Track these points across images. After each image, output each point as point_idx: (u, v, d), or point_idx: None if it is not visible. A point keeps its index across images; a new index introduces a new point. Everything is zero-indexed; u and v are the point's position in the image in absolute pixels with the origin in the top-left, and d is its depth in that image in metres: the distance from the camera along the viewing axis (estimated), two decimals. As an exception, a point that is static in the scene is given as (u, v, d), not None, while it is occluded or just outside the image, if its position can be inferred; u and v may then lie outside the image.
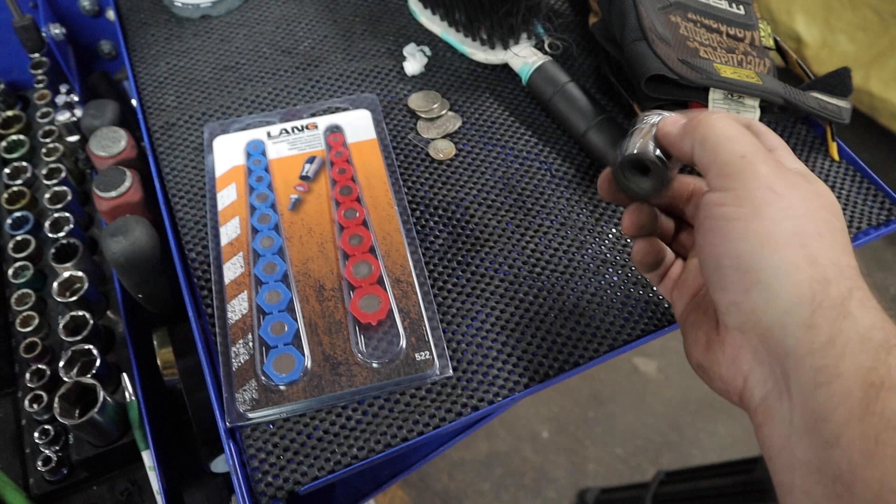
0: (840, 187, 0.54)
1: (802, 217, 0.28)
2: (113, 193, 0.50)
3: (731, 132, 0.31)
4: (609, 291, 0.46)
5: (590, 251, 0.48)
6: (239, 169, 0.51)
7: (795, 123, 0.58)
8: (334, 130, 0.53)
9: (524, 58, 0.54)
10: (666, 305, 0.46)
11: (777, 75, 0.56)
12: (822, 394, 0.26)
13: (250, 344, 0.43)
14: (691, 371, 0.34)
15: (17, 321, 0.53)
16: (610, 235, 0.49)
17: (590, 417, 1.42)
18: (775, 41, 0.59)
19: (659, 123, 0.35)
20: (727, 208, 0.29)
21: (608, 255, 0.48)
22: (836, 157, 0.56)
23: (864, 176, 0.55)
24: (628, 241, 0.49)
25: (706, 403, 1.43)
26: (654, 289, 0.46)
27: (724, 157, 0.30)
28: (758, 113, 0.50)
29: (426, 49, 0.59)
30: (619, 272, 0.47)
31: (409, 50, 0.58)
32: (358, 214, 0.48)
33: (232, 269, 0.46)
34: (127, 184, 0.50)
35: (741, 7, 0.57)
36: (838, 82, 0.56)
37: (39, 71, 0.63)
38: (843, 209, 0.52)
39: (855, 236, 0.51)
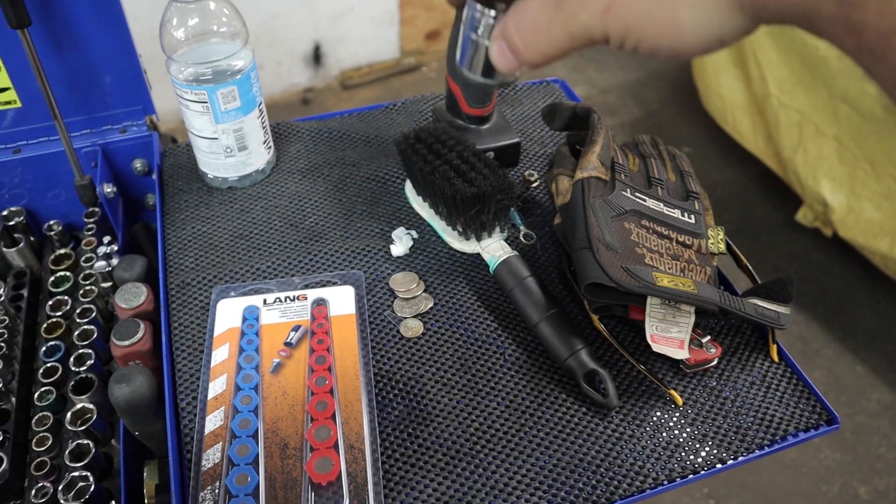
0: (776, 388, 0.59)
1: None
2: (126, 343, 0.58)
3: None
4: (540, 474, 0.51)
5: (528, 434, 0.54)
6: (234, 330, 0.59)
7: (742, 323, 0.64)
8: (320, 303, 0.61)
9: (492, 251, 0.62)
10: (593, 489, 0.51)
11: (717, 281, 0.62)
12: None
13: (217, 491, 0.50)
14: None
15: (34, 440, 0.61)
16: (548, 421, 0.55)
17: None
18: (727, 245, 0.66)
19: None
20: None
21: (543, 440, 0.53)
22: (776, 358, 0.61)
23: (800, 379, 0.60)
24: (564, 426, 0.54)
25: None
26: (581, 475, 0.51)
27: None
28: (692, 318, 0.57)
29: (413, 233, 0.68)
30: (553, 456, 0.52)
31: (398, 234, 0.67)
32: (327, 382, 0.55)
33: (213, 421, 0.54)
34: (139, 335, 0.59)
35: (692, 217, 0.65)
36: (781, 289, 0.62)
37: (90, 221, 0.74)
38: (776, 410, 0.57)
39: (783, 438, 0.56)
